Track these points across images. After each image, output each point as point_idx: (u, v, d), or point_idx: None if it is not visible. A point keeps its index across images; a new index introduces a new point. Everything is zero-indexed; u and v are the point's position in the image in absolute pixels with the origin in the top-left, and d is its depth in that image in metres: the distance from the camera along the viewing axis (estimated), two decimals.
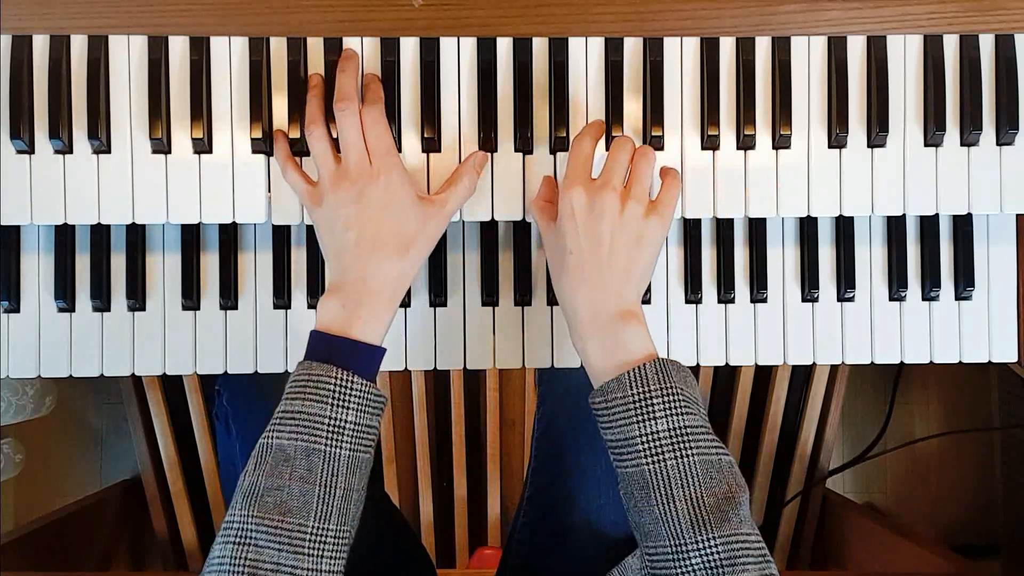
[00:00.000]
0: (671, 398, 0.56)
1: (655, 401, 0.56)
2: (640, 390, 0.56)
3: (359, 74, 0.67)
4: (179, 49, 0.68)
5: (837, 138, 0.69)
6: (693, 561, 0.53)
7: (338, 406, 0.57)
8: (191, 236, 0.72)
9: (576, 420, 0.80)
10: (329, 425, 0.57)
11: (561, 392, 0.82)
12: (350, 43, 0.68)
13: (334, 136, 0.66)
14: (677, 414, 0.56)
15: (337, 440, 0.57)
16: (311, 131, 0.65)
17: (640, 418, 0.56)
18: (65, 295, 0.71)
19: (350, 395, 0.58)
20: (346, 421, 0.58)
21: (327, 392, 0.57)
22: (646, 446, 0.55)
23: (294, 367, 0.68)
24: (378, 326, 0.62)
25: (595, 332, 0.60)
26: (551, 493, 0.80)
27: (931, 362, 0.74)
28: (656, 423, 0.56)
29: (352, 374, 0.58)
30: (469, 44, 0.68)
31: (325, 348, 0.60)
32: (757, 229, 0.74)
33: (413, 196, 0.64)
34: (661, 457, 0.55)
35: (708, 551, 0.53)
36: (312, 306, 0.72)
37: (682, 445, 0.55)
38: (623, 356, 0.59)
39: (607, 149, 0.67)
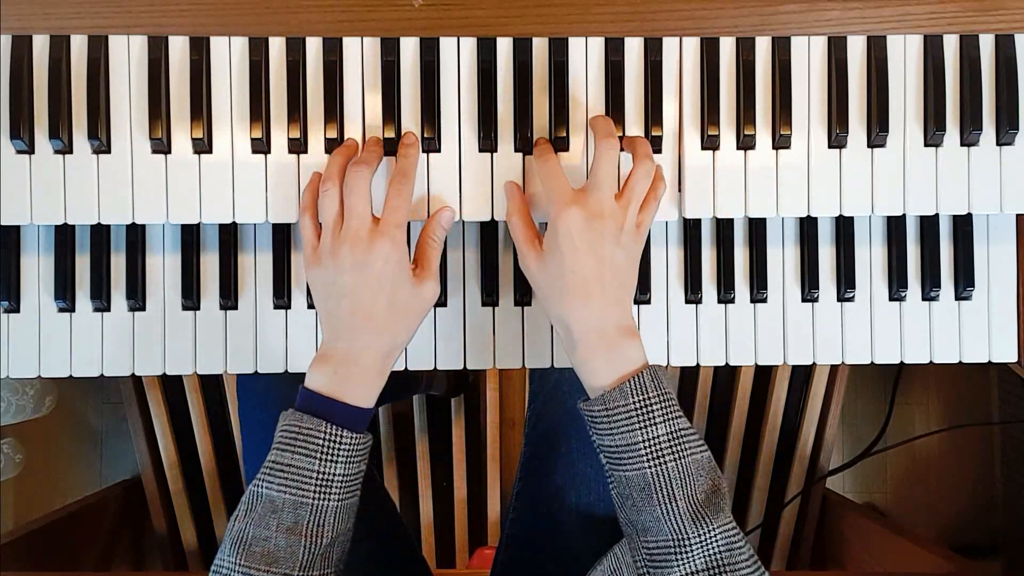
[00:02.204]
0: (666, 404, 0.59)
1: (654, 408, 0.59)
2: (640, 398, 0.59)
3: (381, 156, 0.67)
4: (179, 49, 0.68)
5: (837, 138, 0.69)
6: (695, 551, 0.57)
7: (327, 460, 0.59)
8: (191, 236, 0.72)
9: (566, 416, 0.80)
10: (317, 479, 0.59)
11: (552, 388, 0.82)
12: (350, 43, 0.68)
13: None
14: (672, 418, 0.59)
15: (325, 493, 0.59)
16: (326, 188, 0.64)
17: (641, 424, 0.58)
18: (65, 295, 0.71)
19: (339, 450, 0.59)
20: (334, 474, 0.59)
21: (316, 447, 0.59)
22: (649, 450, 0.58)
23: (293, 367, 0.68)
24: (369, 394, 0.63)
25: (603, 349, 0.61)
26: (540, 488, 0.81)
27: (931, 362, 0.74)
28: (656, 428, 0.58)
29: (341, 429, 0.60)
30: (469, 44, 0.68)
31: (315, 406, 0.61)
32: (757, 229, 0.74)
33: (409, 273, 0.64)
34: (662, 460, 0.58)
35: (709, 542, 0.57)
36: (312, 306, 0.72)
37: (679, 447, 0.58)
38: (624, 368, 0.60)
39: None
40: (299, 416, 0.60)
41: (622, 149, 0.67)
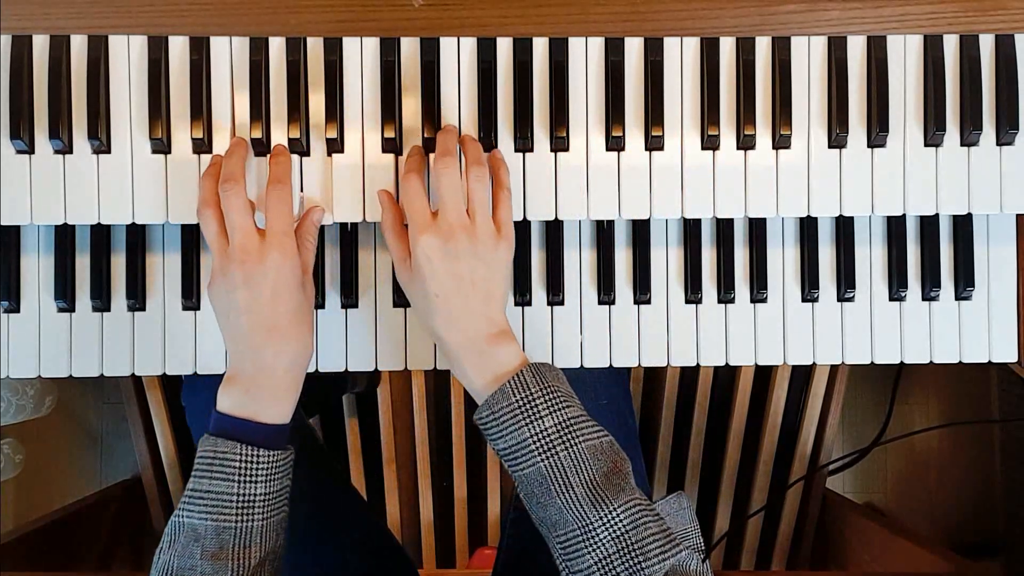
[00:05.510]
0: (551, 396, 0.60)
1: (538, 402, 0.59)
2: (522, 395, 0.60)
3: (246, 157, 0.66)
4: (179, 49, 0.68)
5: (837, 138, 0.69)
6: (601, 535, 0.57)
7: (246, 482, 0.59)
8: (191, 236, 0.72)
9: None
10: (239, 502, 0.59)
11: None
12: (350, 43, 0.68)
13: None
14: (559, 409, 0.60)
15: (248, 515, 0.59)
16: (202, 212, 0.64)
17: (527, 420, 0.59)
18: (65, 295, 0.71)
19: (258, 470, 0.60)
20: (255, 495, 0.59)
21: (233, 470, 0.59)
22: (538, 445, 0.59)
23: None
24: (283, 410, 0.63)
25: (474, 360, 0.62)
26: None
27: (931, 362, 0.74)
28: (543, 421, 0.59)
29: (257, 449, 0.60)
30: (469, 44, 0.68)
31: (230, 428, 0.61)
32: (757, 229, 0.74)
33: (300, 276, 0.63)
34: (554, 451, 0.59)
35: (613, 522, 0.57)
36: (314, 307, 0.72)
37: (569, 436, 0.59)
38: (500, 370, 0.62)
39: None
40: (214, 441, 0.60)
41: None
